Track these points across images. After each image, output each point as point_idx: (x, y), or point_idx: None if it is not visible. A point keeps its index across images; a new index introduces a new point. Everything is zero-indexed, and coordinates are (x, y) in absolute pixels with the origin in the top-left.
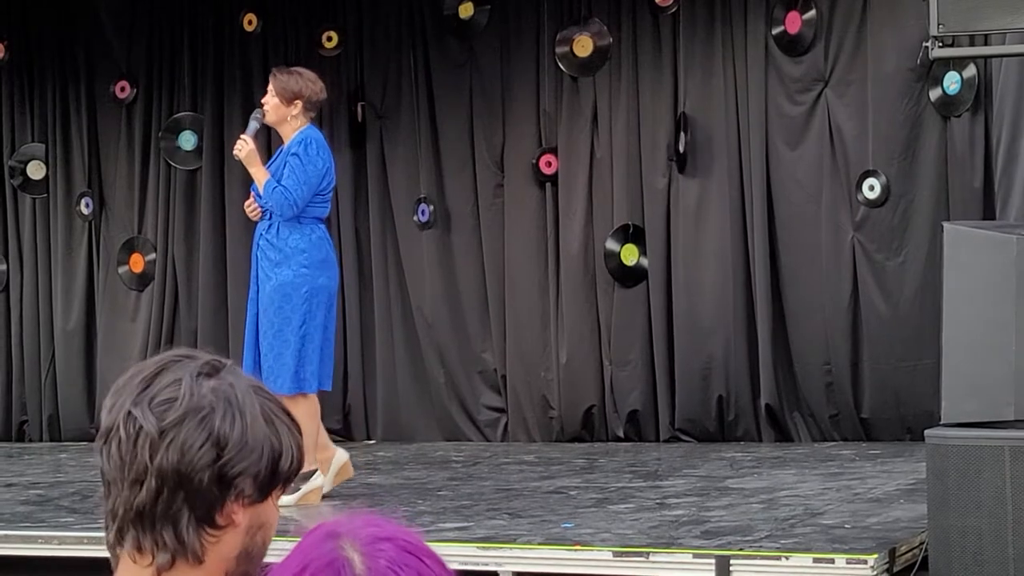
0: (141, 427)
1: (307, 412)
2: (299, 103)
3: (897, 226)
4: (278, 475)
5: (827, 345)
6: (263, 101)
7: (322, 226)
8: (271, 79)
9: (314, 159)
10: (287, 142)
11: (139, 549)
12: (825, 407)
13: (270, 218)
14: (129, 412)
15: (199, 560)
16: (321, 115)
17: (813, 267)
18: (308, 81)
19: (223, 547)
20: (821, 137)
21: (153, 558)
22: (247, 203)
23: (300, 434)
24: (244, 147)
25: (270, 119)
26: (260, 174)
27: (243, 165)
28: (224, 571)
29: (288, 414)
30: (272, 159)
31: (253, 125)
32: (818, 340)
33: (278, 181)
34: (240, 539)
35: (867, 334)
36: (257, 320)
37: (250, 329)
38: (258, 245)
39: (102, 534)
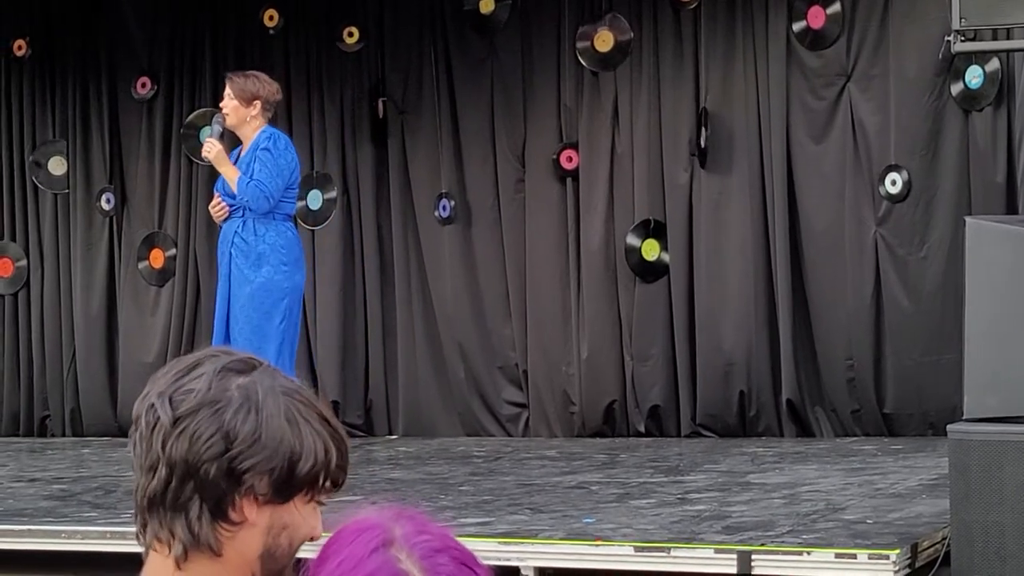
0: (158, 417)
1: None
2: (258, 103)
3: (919, 221)
4: (296, 477)
5: (849, 340)
6: (222, 105)
7: (293, 224)
8: (228, 84)
9: (283, 152)
10: (248, 143)
11: (159, 539)
12: (847, 402)
13: (242, 216)
14: (152, 403)
15: (215, 553)
16: (342, 111)
17: (835, 262)
18: (265, 83)
19: (241, 545)
20: (843, 132)
21: (170, 549)
22: (213, 203)
23: (342, 442)
24: (212, 148)
25: (231, 122)
26: (231, 172)
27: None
28: (250, 571)
29: (329, 422)
30: (234, 162)
31: (216, 128)
32: (840, 335)
33: (250, 177)
34: (260, 539)
35: (889, 329)
36: (228, 317)
37: (220, 325)
38: (232, 243)
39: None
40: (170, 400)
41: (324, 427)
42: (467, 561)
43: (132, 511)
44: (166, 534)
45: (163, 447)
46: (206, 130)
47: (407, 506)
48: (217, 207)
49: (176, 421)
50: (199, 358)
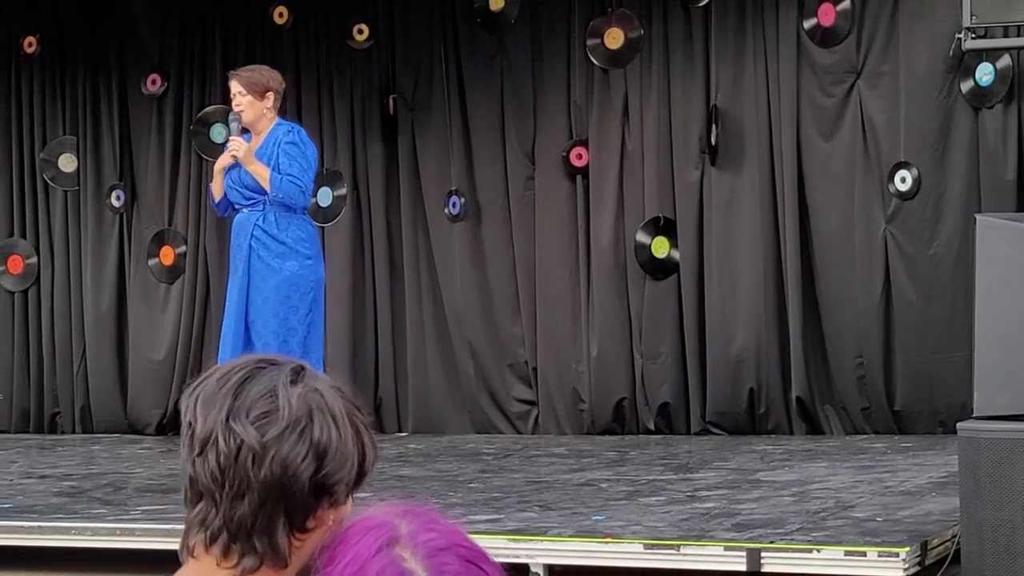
0: (243, 441)
1: None
2: (271, 95)
3: (929, 218)
4: (363, 476)
5: (859, 338)
6: (235, 103)
7: (310, 217)
8: (235, 80)
9: (309, 144)
10: (262, 136)
11: (226, 555)
12: (857, 400)
13: (263, 209)
14: (228, 425)
15: (285, 565)
16: (352, 108)
17: (845, 259)
18: (271, 73)
19: (306, 549)
20: (853, 129)
21: (238, 562)
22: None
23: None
24: (241, 146)
25: (247, 117)
26: (261, 170)
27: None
28: (297, 568)
29: (361, 410)
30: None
31: (234, 126)
32: (850, 333)
33: (280, 172)
34: (319, 539)
35: (899, 326)
36: (247, 309)
37: (237, 318)
38: (251, 235)
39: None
40: (251, 423)
41: (364, 415)
42: (474, 559)
43: (192, 521)
44: (241, 549)
45: (255, 473)
46: (217, 127)
47: (417, 503)
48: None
49: (266, 446)
50: (246, 371)
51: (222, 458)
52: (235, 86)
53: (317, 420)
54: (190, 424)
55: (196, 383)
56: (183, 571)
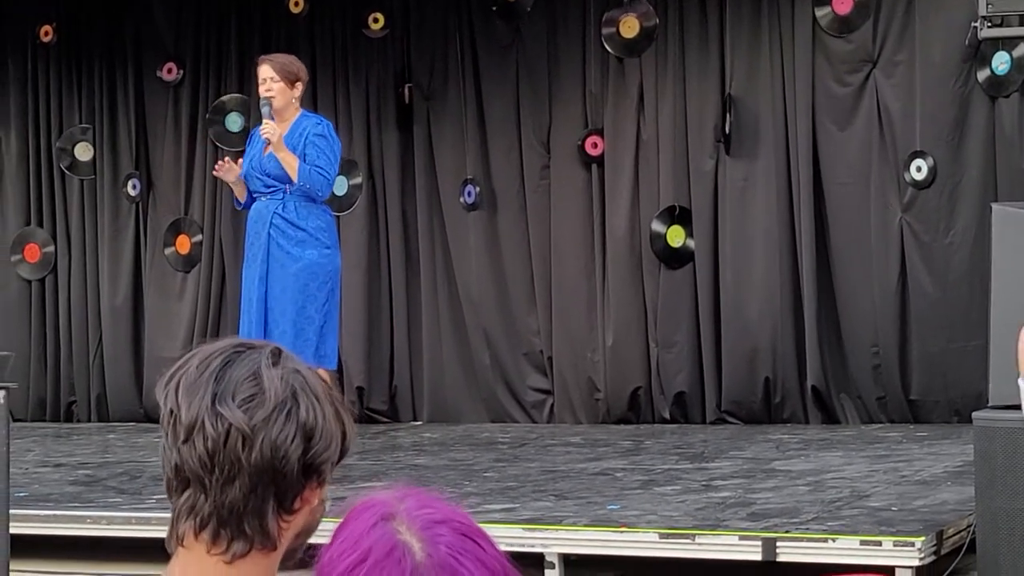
0: (231, 425)
1: None
2: (299, 85)
3: (945, 207)
4: (344, 454)
5: (875, 327)
6: (267, 88)
7: (329, 207)
8: (267, 65)
9: (336, 139)
10: (287, 125)
11: (215, 540)
12: (873, 389)
13: (282, 197)
14: (215, 409)
15: (275, 547)
16: (368, 97)
17: (861, 248)
18: (301, 64)
19: (291, 529)
20: (869, 118)
21: (228, 547)
22: (220, 164)
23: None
24: (275, 132)
25: (278, 104)
26: (290, 158)
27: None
28: (283, 549)
29: (334, 390)
30: (250, 142)
31: (266, 110)
32: (866, 322)
33: (308, 163)
34: (304, 519)
35: (915, 316)
36: (266, 298)
37: (257, 307)
38: (270, 223)
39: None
40: (238, 406)
41: (341, 397)
42: (469, 533)
43: (169, 513)
44: (230, 534)
45: (245, 457)
46: (233, 116)
47: (421, 487)
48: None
49: (255, 428)
50: (225, 355)
51: (210, 443)
52: (267, 71)
53: (302, 401)
54: (172, 411)
55: (174, 370)
56: (174, 562)
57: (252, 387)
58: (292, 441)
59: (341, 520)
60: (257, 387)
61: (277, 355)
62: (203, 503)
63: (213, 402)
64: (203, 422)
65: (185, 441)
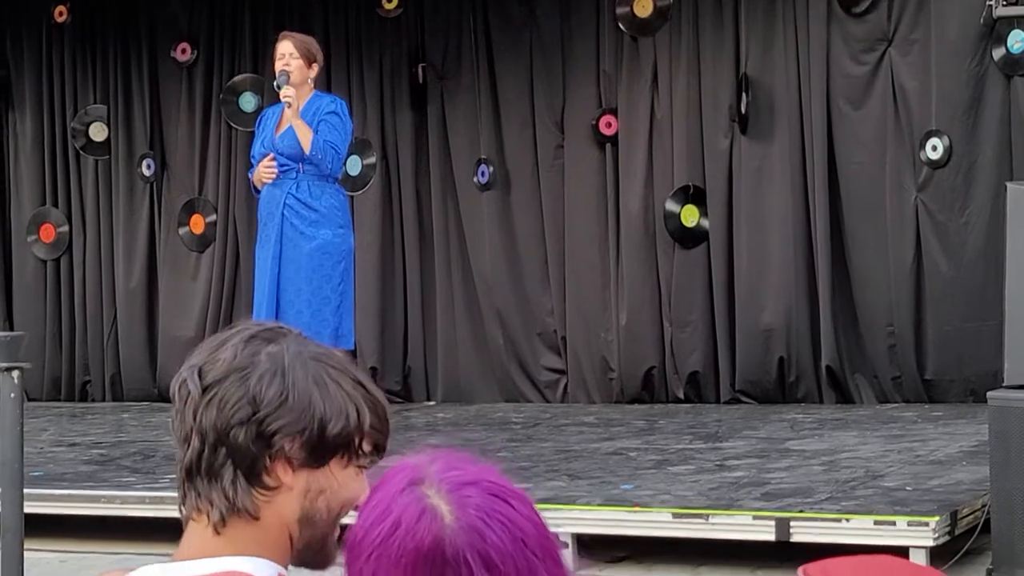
0: (189, 390)
1: None
2: (316, 67)
3: (960, 186)
4: (327, 439)
5: (890, 306)
6: (284, 63)
7: (342, 187)
8: (288, 41)
9: (349, 119)
10: (300, 103)
11: (198, 508)
12: (887, 369)
13: (295, 177)
14: (183, 377)
15: (252, 516)
16: (382, 76)
17: (876, 228)
18: (319, 47)
19: (279, 508)
20: (884, 97)
21: (205, 515)
22: (266, 163)
23: (377, 404)
24: (295, 99)
25: (295, 80)
26: (305, 128)
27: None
28: (288, 535)
29: (363, 385)
30: (260, 124)
31: (283, 79)
32: (881, 301)
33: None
34: (297, 503)
35: (930, 295)
36: (280, 279)
37: (270, 287)
38: (284, 204)
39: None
40: (199, 371)
41: (357, 389)
42: (501, 494)
43: (174, 481)
44: (204, 503)
45: (194, 417)
46: (246, 96)
47: (454, 450)
48: (270, 168)
49: (205, 390)
50: (229, 334)
51: (177, 407)
52: (287, 46)
53: (260, 369)
54: None
55: None
56: (185, 535)
57: (220, 355)
58: (236, 403)
59: (374, 486)
60: (224, 354)
61: (276, 333)
62: (177, 467)
63: (186, 373)
64: (176, 390)
65: (172, 408)
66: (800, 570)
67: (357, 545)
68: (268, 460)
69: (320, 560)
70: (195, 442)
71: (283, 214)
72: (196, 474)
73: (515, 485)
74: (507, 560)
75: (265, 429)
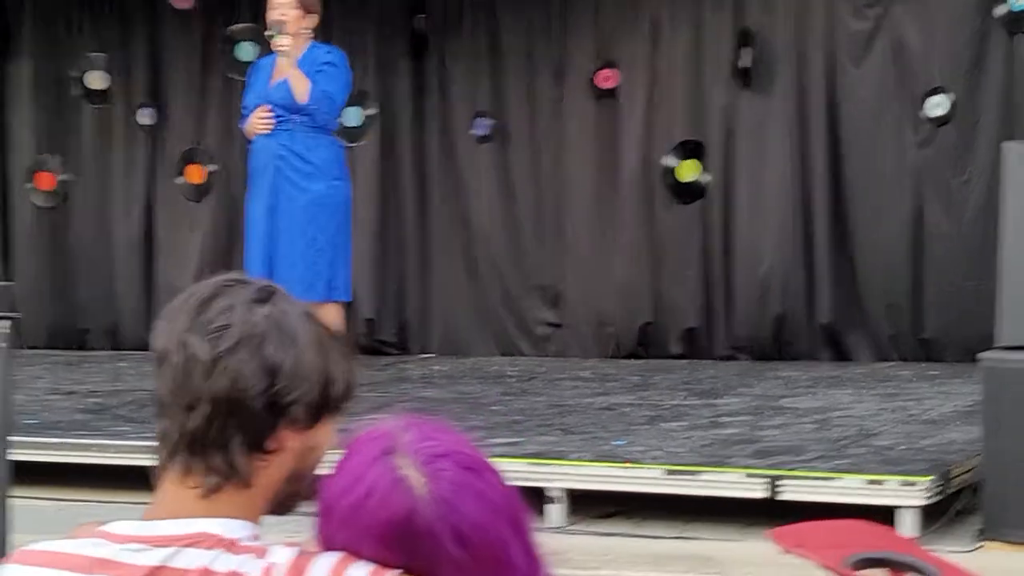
0: (194, 353)
1: (338, 318)
2: (314, 17)
3: (962, 144)
4: (329, 401)
5: (888, 264)
6: (280, 13)
7: (337, 138)
8: None
9: (347, 69)
10: (296, 53)
11: (187, 472)
12: (885, 327)
13: (289, 128)
14: (182, 340)
15: (247, 485)
16: (381, 28)
17: (875, 185)
18: None
19: (273, 471)
20: (886, 54)
21: (200, 479)
22: (262, 114)
23: (352, 360)
24: (291, 49)
25: (291, 29)
26: (302, 77)
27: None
28: (273, 491)
29: (339, 340)
30: (253, 75)
31: (276, 30)
32: (879, 259)
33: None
34: (290, 463)
35: (929, 254)
36: (273, 231)
37: (261, 240)
38: (278, 155)
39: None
40: (205, 336)
41: (340, 345)
42: (473, 465)
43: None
44: (201, 467)
45: (204, 385)
46: (243, 45)
47: (426, 416)
48: (265, 119)
49: (216, 359)
50: (215, 288)
51: (176, 370)
52: None
53: (272, 338)
54: (156, 339)
55: (170, 304)
56: (157, 493)
57: (224, 319)
58: (253, 375)
59: (345, 452)
60: (228, 319)
61: (267, 292)
62: (173, 432)
63: (184, 332)
64: (171, 350)
65: (159, 368)
66: (773, 533)
67: (328, 509)
68: (277, 428)
69: (288, 507)
70: (204, 410)
71: (277, 166)
72: (199, 442)
73: (486, 456)
74: (479, 533)
75: (280, 400)
